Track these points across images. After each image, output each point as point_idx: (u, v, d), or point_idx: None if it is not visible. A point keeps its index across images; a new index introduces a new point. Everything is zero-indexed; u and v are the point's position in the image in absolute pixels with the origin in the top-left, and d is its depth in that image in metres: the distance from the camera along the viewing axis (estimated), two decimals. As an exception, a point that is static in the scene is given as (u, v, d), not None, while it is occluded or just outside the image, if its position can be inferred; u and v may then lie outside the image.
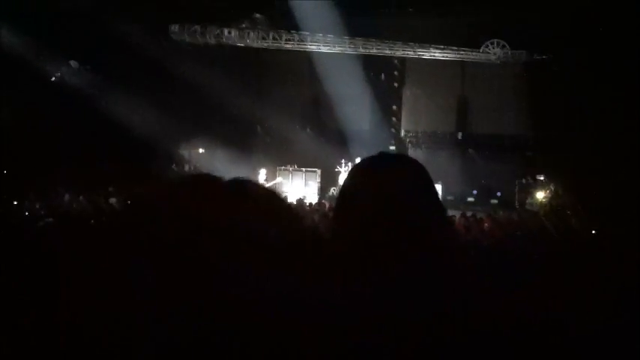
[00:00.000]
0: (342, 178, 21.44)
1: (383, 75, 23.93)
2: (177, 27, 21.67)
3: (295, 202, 18.77)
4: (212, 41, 21.75)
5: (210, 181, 1.07)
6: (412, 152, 23.76)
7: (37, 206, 11.20)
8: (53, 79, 19.63)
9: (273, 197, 1.14)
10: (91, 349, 0.94)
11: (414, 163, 1.54)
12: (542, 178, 19.70)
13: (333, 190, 21.12)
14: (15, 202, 11.95)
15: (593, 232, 8.73)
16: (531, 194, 19.86)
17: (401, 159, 1.56)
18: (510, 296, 1.36)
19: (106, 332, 0.94)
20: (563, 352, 1.32)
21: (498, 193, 21.40)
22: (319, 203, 19.26)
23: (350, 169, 1.62)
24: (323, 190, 21.67)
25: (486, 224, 11.21)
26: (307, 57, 22.43)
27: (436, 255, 1.35)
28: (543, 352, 1.29)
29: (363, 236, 1.36)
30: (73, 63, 20.07)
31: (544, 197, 18.92)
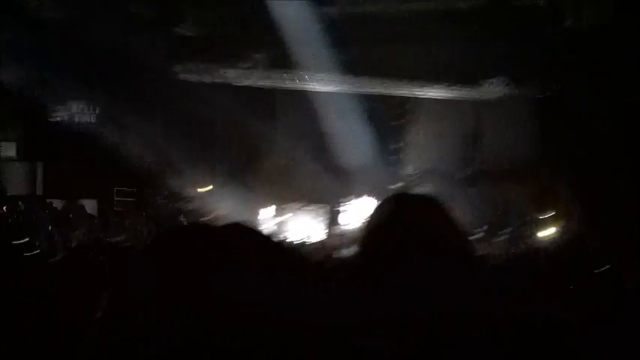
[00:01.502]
0: (343, 217, 21.41)
1: (385, 113, 24.02)
2: (180, 66, 21.79)
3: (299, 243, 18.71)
4: (218, 80, 21.87)
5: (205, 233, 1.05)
6: (418, 190, 23.70)
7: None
8: (59, 119, 19.65)
9: (269, 243, 1.16)
10: (91, 349, 0.94)
11: (430, 201, 1.61)
12: (554, 212, 19.64)
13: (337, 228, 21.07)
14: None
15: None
16: (543, 229, 19.75)
17: (419, 199, 1.66)
18: (510, 296, 1.38)
19: (106, 332, 0.94)
20: (564, 352, 1.28)
21: (510, 229, 21.25)
22: (323, 241, 19.18)
23: (378, 206, 1.69)
24: (329, 227, 21.56)
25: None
26: (312, 95, 22.51)
27: (440, 258, 1.36)
28: (543, 352, 1.33)
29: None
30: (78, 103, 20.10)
31: (556, 232, 18.85)
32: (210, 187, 21.12)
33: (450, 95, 22.07)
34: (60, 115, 19.28)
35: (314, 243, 18.44)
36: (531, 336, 1.29)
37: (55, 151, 18.62)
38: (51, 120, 19.13)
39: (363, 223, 1.57)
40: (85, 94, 19.30)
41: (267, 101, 23.73)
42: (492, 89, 21.43)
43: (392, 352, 1.22)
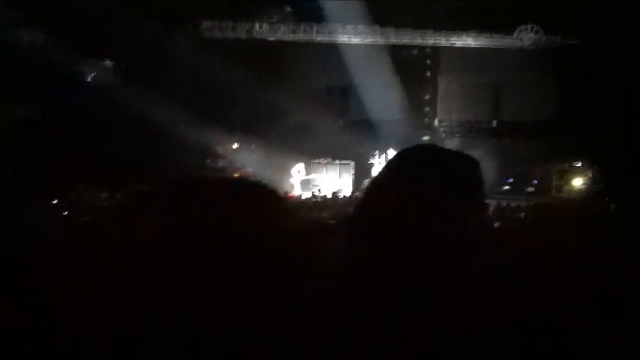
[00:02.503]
0: (375, 170, 21.41)
1: (414, 64, 23.74)
2: (208, 23, 21.80)
3: (331, 196, 18.89)
4: (243, 36, 21.82)
5: (208, 182, 1.08)
6: (447, 142, 23.56)
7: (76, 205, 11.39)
8: (88, 78, 19.94)
9: (271, 196, 1.13)
10: (92, 348, 0.94)
11: (463, 159, 1.45)
12: (579, 164, 19.35)
13: (367, 182, 21.00)
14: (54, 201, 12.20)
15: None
16: (568, 181, 19.52)
17: (449, 154, 1.46)
18: (510, 296, 1.34)
19: (106, 332, 0.95)
20: (563, 352, 1.31)
21: (535, 182, 21.06)
22: (352, 196, 19.31)
23: (391, 159, 1.53)
24: (357, 183, 21.61)
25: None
26: (339, 48, 22.34)
27: (439, 255, 1.32)
28: (543, 352, 1.27)
29: (381, 226, 1.31)
30: (106, 62, 20.37)
31: (582, 184, 18.60)
32: (236, 145, 21.33)
33: (480, 44, 21.63)
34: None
35: (341, 198, 18.58)
36: (531, 336, 1.26)
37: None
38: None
39: (375, 176, 1.46)
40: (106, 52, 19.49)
41: (292, 56, 23.68)
42: (523, 37, 20.94)
43: (392, 352, 1.21)
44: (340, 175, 21.69)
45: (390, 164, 1.49)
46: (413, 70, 23.65)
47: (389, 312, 1.22)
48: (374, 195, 1.45)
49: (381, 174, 1.48)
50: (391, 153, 21.24)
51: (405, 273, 1.29)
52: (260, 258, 0.98)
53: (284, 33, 22.40)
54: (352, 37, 22.06)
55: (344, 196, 19.14)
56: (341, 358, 1.13)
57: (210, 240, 0.96)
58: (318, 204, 16.84)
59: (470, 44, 21.80)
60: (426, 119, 24.13)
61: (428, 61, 23.78)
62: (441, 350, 1.22)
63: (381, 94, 22.56)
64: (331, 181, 21.14)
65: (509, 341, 1.25)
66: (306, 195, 19.63)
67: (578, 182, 18.87)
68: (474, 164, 1.45)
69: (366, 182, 20.51)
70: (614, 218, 9.65)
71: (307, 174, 21.01)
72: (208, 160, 20.35)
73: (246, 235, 0.99)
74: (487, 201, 1.57)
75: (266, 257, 0.99)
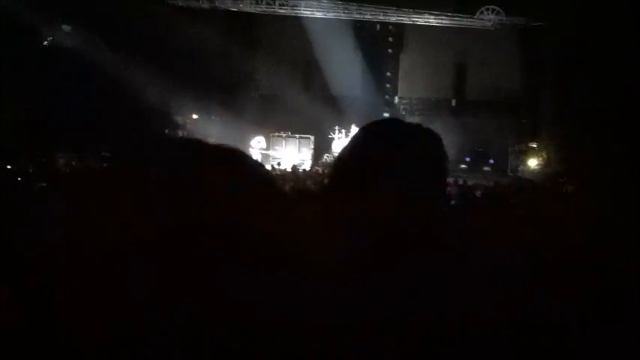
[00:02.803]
0: (335, 145, 21.49)
1: (377, 41, 23.79)
2: (170, -8, 21.39)
3: (290, 170, 18.87)
4: (205, 6, 21.51)
5: (200, 145, 1.00)
6: (407, 119, 23.70)
7: (30, 170, 11.17)
8: (46, 42, 19.45)
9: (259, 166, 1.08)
10: (92, 348, 0.92)
11: (427, 133, 1.46)
12: (534, 145, 19.75)
13: (327, 157, 21.13)
14: (8, 167, 11.93)
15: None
16: (524, 161, 19.93)
17: (413, 128, 1.46)
18: (510, 296, 1.33)
19: (105, 331, 0.92)
20: (563, 352, 1.30)
21: (491, 160, 21.48)
22: (312, 170, 19.36)
23: (356, 133, 1.51)
24: (316, 157, 21.65)
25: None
26: (301, 23, 22.23)
27: (436, 252, 1.33)
28: (543, 353, 1.29)
29: (350, 199, 1.32)
30: (65, 27, 19.87)
31: (537, 164, 18.99)
32: (196, 116, 21.12)
33: (442, 22, 21.76)
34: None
35: (300, 172, 18.60)
36: (531, 336, 1.25)
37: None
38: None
39: (341, 151, 1.44)
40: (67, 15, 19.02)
41: (255, 29, 23.49)
42: (484, 18, 21.13)
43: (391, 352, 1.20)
44: (299, 150, 21.68)
45: (356, 138, 1.47)
46: (375, 47, 23.71)
47: (389, 311, 1.22)
48: (341, 171, 1.44)
49: (346, 148, 1.46)
50: (354, 129, 21.35)
51: (403, 270, 1.29)
52: (261, 248, 0.96)
53: (247, 4, 22.14)
54: (315, 11, 21.95)
55: (304, 170, 19.16)
56: (341, 358, 1.13)
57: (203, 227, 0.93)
58: (279, 177, 16.81)
59: (432, 23, 21.91)
60: (387, 96, 24.26)
61: (390, 39, 23.86)
62: (441, 350, 1.22)
63: (342, 70, 22.58)
64: (291, 155, 21.11)
65: (509, 341, 1.26)
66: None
67: (533, 163, 19.26)
68: (438, 139, 1.47)
69: (326, 156, 20.76)
70: (571, 200, 9.85)
71: (267, 147, 20.94)
72: (167, 130, 20.07)
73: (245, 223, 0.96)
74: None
75: (267, 247, 0.97)
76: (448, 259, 1.32)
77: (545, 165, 18.30)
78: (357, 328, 1.16)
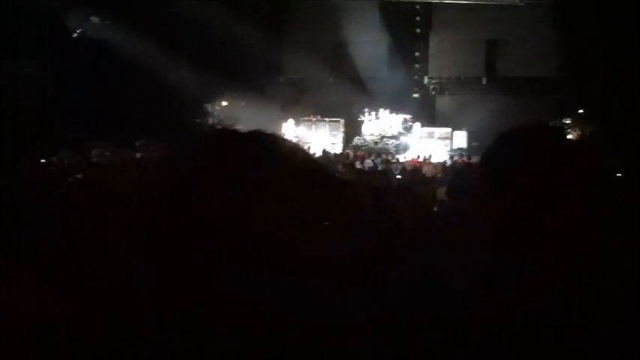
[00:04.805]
0: (365, 128, 21.39)
1: (404, 21, 23.48)
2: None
3: (321, 154, 18.81)
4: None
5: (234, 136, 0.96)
6: (437, 99, 23.51)
7: (65, 162, 11.27)
8: (75, 34, 19.58)
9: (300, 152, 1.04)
10: (91, 348, 0.93)
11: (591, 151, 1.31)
12: (569, 121, 19.38)
13: (357, 140, 21.06)
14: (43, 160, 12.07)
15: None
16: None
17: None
18: (510, 295, 1.29)
19: (106, 331, 0.93)
20: (563, 352, 1.28)
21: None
22: (343, 153, 19.26)
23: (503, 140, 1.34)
24: (347, 141, 21.57)
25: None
26: (327, 4, 22.05)
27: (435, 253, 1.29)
28: (543, 353, 1.25)
29: None
30: (94, 18, 19.97)
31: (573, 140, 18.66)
32: (225, 102, 21.09)
33: (471, 0, 21.44)
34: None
35: (331, 155, 18.52)
36: (531, 336, 1.22)
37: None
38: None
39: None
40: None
41: (282, 13, 23.42)
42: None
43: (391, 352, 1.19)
44: (330, 133, 21.62)
45: (504, 147, 1.32)
46: (403, 27, 23.42)
47: (389, 311, 1.23)
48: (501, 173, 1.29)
49: (492, 159, 1.31)
50: (383, 112, 21.22)
51: (406, 273, 1.31)
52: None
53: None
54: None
55: (334, 154, 19.08)
56: (341, 358, 1.10)
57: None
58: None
59: (460, 0, 21.61)
60: (416, 77, 23.98)
61: (417, 18, 23.53)
62: (441, 350, 1.22)
63: (370, 52, 22.39)
64: (320, 139, 21.03)
65: (509, 340, 1.24)
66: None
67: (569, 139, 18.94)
68: (599, 158, 1.32)
69: (356, 139, 20.65)
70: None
71: (296, 131, 20.90)
72: (197, 119, 20.16)
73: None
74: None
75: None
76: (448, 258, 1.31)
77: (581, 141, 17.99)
78: (357, 328, 1.12)
